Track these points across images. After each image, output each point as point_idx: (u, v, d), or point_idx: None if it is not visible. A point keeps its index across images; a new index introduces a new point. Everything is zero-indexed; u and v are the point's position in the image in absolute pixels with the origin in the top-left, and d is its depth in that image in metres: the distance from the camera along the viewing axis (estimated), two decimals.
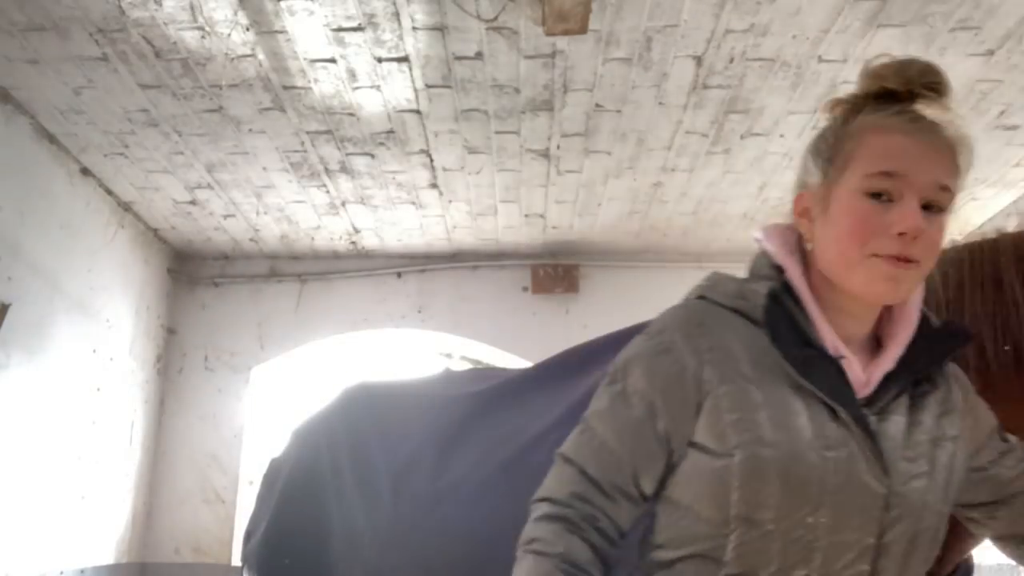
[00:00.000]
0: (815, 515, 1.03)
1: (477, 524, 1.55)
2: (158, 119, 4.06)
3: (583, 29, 3.17)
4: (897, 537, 1.05)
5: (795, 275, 1.13)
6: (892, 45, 3.25)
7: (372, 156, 4.43)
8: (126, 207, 5.07)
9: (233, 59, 3.55)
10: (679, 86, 3.77)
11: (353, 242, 5.61)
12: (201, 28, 3.34)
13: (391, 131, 4.18)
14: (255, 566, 1.75)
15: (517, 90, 3.80)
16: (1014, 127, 4.05)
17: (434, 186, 4.79)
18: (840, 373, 1.07)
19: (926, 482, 1.07)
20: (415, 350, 6.09)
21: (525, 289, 5.71)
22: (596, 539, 1.08)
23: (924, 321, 1.15)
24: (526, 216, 5.21)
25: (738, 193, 4.82)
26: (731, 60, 3.57)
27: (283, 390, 5.97)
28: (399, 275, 5.81)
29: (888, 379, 1.10)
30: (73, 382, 4.54)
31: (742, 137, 4.18)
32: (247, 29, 3.35)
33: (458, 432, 1.70)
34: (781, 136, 4.15)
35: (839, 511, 1.03)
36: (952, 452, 1.12)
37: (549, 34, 3.23)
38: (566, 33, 3.22)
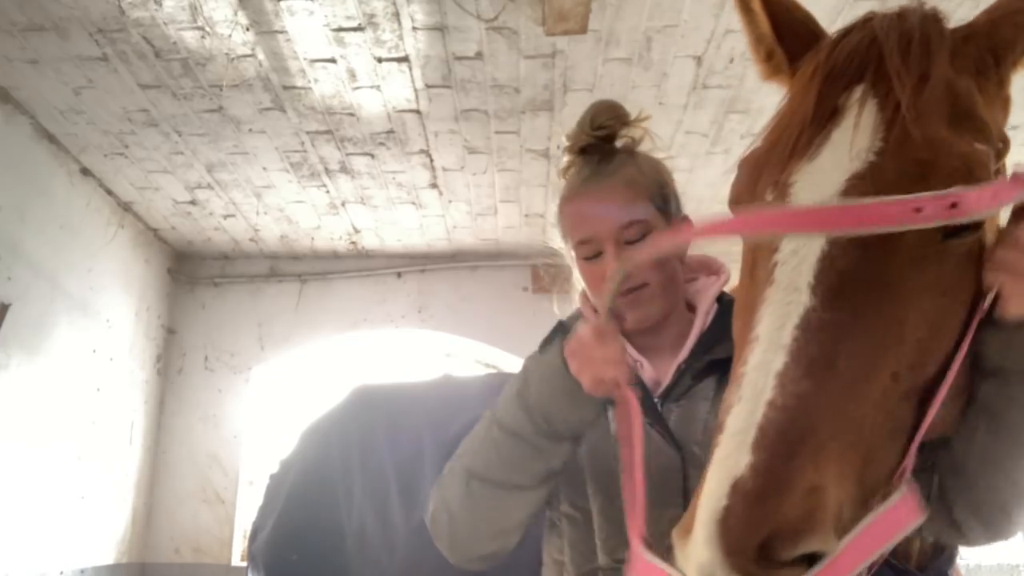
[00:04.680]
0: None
1: None
2: (158, 119, 4.06)
3: (583, 29, 3.18)
4: None
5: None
6: None
7: (372, 156, 4.43)
8: (126, 207, 5.07)
9: (233, 59, 3.55)
10: (679, 86, 3.77)
11: (353, 242, 5.61)
12: (201, 28, 3.34)
13: (391, 131, 4.18)
14: (262, 562, 1.75)
15: (517, 90, 3.80)
16: (1014, 127, 4.05)
17: (434, 186, 4.79)
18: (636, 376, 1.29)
19: None
20: (415, 350, 6.09)
21: (525, 289, 5.71)
22: None
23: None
24: (526, 216, 5.21)
25: None
26: (731, 60, 3.57)
27: (283, 390, 5.97)
28: (399, 275, 5.81)
29: (683, 369, 1.29)
30: (73, 382, 4.54)
31: (742, 137, 4.18)
32: (247, 29, 3.35)
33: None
34: None
35: (648, 488, 1.16)
36: None
37: (549, 34, 3.23)
38: (566, 33, 3.22)
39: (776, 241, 0.90)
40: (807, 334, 0.81)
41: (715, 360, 1.26)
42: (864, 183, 0.87)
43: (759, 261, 0.92)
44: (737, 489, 0.75)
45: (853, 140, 0.90)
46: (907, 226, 0.81)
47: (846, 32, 1.01)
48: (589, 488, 1.25)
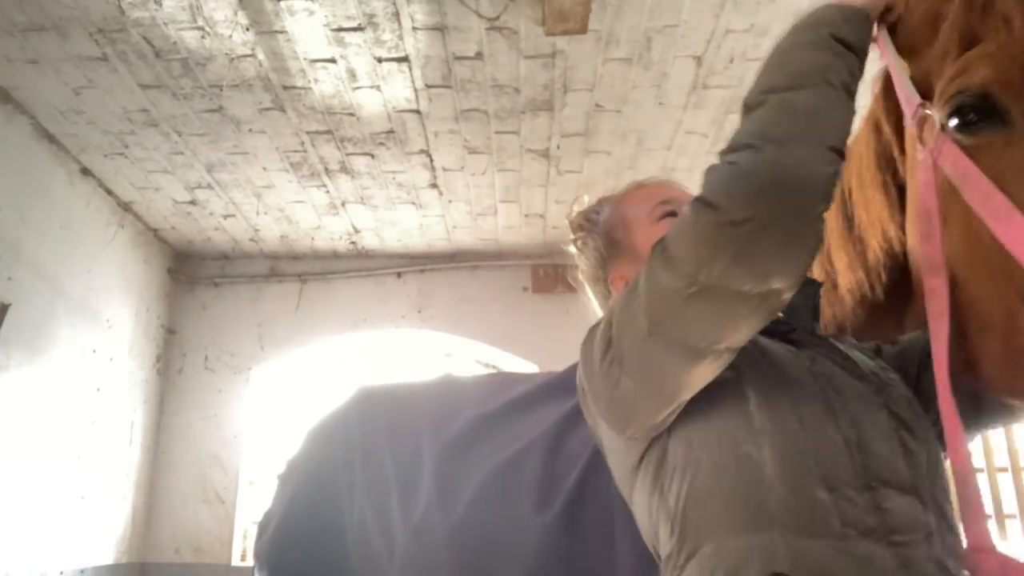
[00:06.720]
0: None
1: (479, 531, 1.55)
2: (158, 119, 4.06)
3: (583, 29, 3.18)
4: (898, 424, 1.08)
5: None
6: None
7: (372, 156, 4.43)
8: (126, 207, 5.07)
9: (233, 59, 3.55)
10: (679, 86, 3.77)
11: (353, 242, 5.61)
12: (201, 28, 3.34)
13: (391, 131, 4.18)
14: (266, 560, 1.75)
15: (517, 90, 3.80)
16: None
17: (434, 186, 4.79)
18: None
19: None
20: (415, 350, 6.09)
21: (525, 289, 5.72)
22: None
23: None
24: (526, 216, 5.21)
25: None
26: (731, 60, 3.57)
27: (283, 390, 5.97)
28: (399, 275, 5.81)
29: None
30: (73, 382, 4.54)
31: None
32: (247, 29, 3.35)
33: (462, 441, 1.69)
34: None
35: (854, 428, 1.06)
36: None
37: (549, 34, 3.23)
38: (566, 33, 3.22)
39: None
40: None
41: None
42: None
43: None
44: None
45: None
46: None
47: None
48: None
